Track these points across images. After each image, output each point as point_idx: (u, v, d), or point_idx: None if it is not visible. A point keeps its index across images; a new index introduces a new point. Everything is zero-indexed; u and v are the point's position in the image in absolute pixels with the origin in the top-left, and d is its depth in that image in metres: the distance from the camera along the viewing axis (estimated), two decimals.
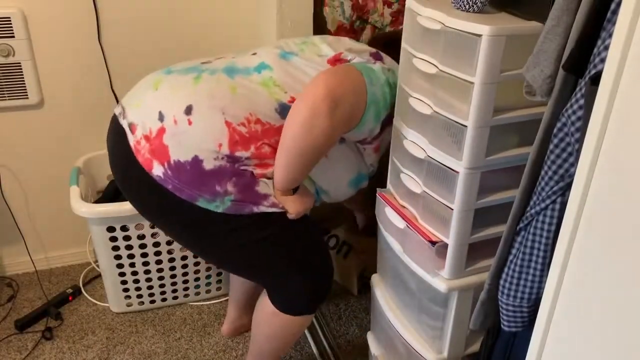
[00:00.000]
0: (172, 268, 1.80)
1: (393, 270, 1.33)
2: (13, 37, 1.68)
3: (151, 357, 1.71)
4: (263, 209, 1.21)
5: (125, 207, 1.61)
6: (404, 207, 1.24)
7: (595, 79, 0.64)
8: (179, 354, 1.72)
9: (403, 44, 1.16)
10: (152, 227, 1.69)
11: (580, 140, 0.75)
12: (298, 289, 1.32)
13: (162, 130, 1.18)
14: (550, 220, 0.85)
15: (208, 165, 1.17)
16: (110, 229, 1.65)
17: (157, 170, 1.17)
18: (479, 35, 0.92)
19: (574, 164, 0.79)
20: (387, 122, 1.27)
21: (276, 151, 1.21)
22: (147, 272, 1.78)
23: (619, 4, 0.66)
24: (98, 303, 1.90)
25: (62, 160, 1.90)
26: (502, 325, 0.98)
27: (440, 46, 1.02)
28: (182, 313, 1.88)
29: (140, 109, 1.22)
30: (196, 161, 1.16)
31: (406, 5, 1.13)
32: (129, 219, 1.64)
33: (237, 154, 1.18)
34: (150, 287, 1.82)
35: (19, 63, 1.72)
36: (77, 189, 1.68)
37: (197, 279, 1.87)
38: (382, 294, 1.39)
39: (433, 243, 1.12)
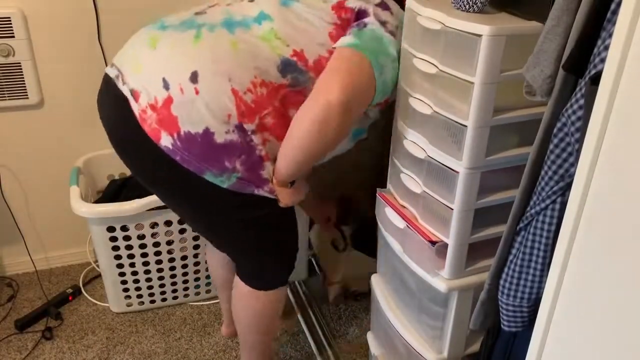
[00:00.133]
0: (172, 268, 1.80)
1: (393, 270, 1.33)
2: (13, 37, 1.68)
3: (151, 357, 1.71)
4: (262, 192, 1.22)
5: (125, 207, 1.61)
6: (404, 207, 1.24)
7: (595, 79, 0.64)
8: (179, 354, 1.72)
9: (403, 44, 1.16)
10: (152, 227, 1.69)
11: (580, 140, 0.75)
12: (271, 266, 1.36)
13: (169, 100, 1.14)
14: (550, 220, 0.85)
15: (219, 138, 1.15)
16: (110, 229, 1.65)
17: (166, 141, 1.15)
18: (479, 35, 0.92)
19: (574, 164, 0.79)
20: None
21: (277, 122, 1.19)
22: (147, 272, 1.78)
23: (619, 4, 0.66)
24: (98, 303, 1.90)
25: (62, 160, 1.90)
26: (502, 325, 0.98)
27: (441, 46, 1.02)
28: (182, 313, 1.88)
29: (142, 74, 1.18)
30: (207, 133, 1.14)
31: (406, 6, 1.13)
32: (129, 219, 1.64)
33: (245, 125, 1.16)
34: (150, 287, 1.82)
35: (19, 63, 1.72)
36: (77, 189, 1.68)
37: (197, 279, 1.87)
38: (382, 294, 1.39)
39: (433, 243, 1.12)
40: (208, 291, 1.92)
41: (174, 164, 1.16)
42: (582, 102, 0.74)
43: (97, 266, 1.98)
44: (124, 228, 1.66)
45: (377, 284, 1.42)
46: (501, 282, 0.96)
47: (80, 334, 1.78)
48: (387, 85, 1.20)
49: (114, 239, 1.67)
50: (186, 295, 1.90)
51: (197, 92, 1.14)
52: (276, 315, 1.44)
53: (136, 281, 1.79)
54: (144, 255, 1.73)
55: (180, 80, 1.15)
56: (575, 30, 0.75)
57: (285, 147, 1.18)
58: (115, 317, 1.85)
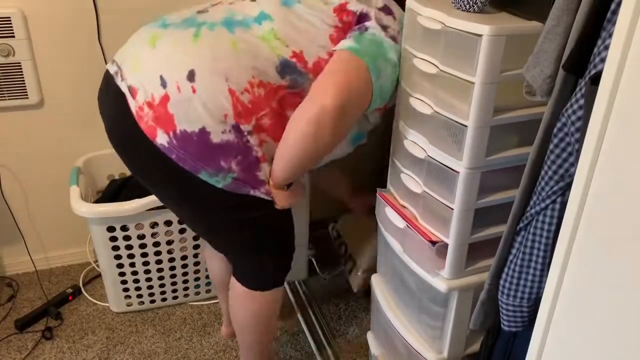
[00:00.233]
0: (172, 268, 1.80)
1: (393, 270, 1.33)
2: (13, 37, 1.68)
3: (151, 357, 1.71)
4: (259, 194, 1.22)
5: (125, 207, 1.61)
6: (404, 207, 1.24)
7: (595, 79, 0.64)
8: (179, 354, 1.72)
9: (403, 44, 1.16)
10: (152, 227, 1.69)
11: (580, 140, 0.75)
12: (268, 266, 1.36)
13: (165, 98, 1.14)
14: (550, 220, 0.85)
15: (215, 138, 1.15)
16: (110, 229, 1.65)
17: (162, 139, 1.15)
18: (479, 35, 0.92)
19: (574, 164, 0.79)
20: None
21: (274, 123, 1.18)
22: (147, 272, 1.78)
23: (619, 4, 0.66)
24: (98, 303, 1.90)
25: (62, 160, 1.90)
26: (502, 325, 0.98)
27: (441, 46, 1.02)
28: (182, 313, 1.88)
29: (140, 72, 1.18)
30: (203, 132, 1.14)
31: (406, 6, 1.13)
32: (129, 218, 1.64)
33: (241, 126, 1.16)
34: (150, 287, 1.82)
35: (19, 63, 1.72)
36: (77, 188, 1.68)
37: (197, 279, 1.87)
38: (382, 294, 1.39)
39: (433, 243, 1.12)
40: (208, 291, 1.92)
41: (169, 162, 1.16)
42: (582, 102, 0.75)
43: (97, 266, 1.98)
44: (124, 228, 1.66)
45: (377, 284, 1.42)
46: (501, 282, 0.96)
47: (80, 333, 1.78)
48: (385, 90, 1.20)
49: (114, 238, 1.67)
50: (186, 295, 1.90)
51: (194, 91, 1.14)
52: (273, 316, 1.44)
53: (136, 281, 1.79)
54: (144, 255, 1.73)
55: (177, 79, 1.14)
56: (575, 30, 0.75)
57: (281, 148, 1.18)
58: (115, 317, 1.85)
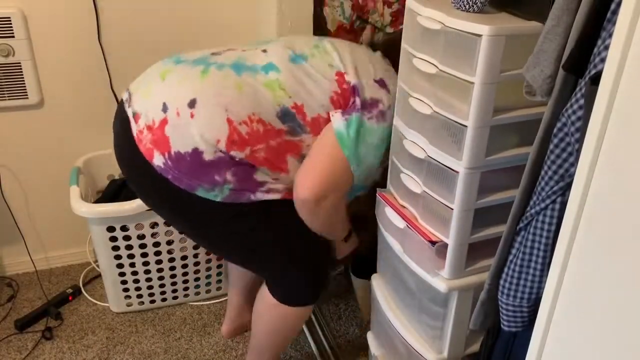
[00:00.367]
0: (172, 268, 1.80)
1: (393, 270, 1.33)
2: (13, 37, 1.68)
3: (151, 357, 1.71)
4: (260, 195, 1.23)
5: (125, 207, 1.61)
6: (404, 207, 1.23)
7: (595, 79, 0.64)
8: (179, 354, 1.72)
9: (403, 44, 1.16)
10: (152, 227, 1.69)
11: (580, 140, 0.75)
12: (297, 280, 1.34)
13: (164, 122, 1.19)
14: (550, 220, 0.85)
15: (208, 156, 1.18)
16: (110, 229, 1.65)
17: (158, 160, 1.19)
18: (479, 35, 0.92)
19: (574, 164, 0.79)
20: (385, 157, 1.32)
21: (269, 158, 1.23)
22: (147, 272, 1.78)
23: (619, 4, 0.66)
24: (98, 303, 1.91)
25: (62, 160, 1.90)
26: (502, 325, 0.98)
27: (440, 46, 1.02)
28: (182, 313, 1.88)
29: (146, 99, 1.23)
30: (196, 153, 1.18)
31: (406, 5, 1.13)
32: (129, 219, 1.64)
33: (232, 153, 1.19)
34: (150, 287, 1.82)
35: (19, 63, 1.72)
36: (77, 188, 1.68)
37: (197, 279, 1.87)
38: (382, 294, 1.39)
39: (433, 243, 1.12)
40: (208, 291, 1.92)
41: (166, 183, 1.19)
42: (582, 102, 0.74)
43: (97, 266, 1.98)
44: (124, 228, 1.66)
45: (377, 284, 1.42)
46: (501, 282, 0.96)
47: (80, 334, 1.78)
48: (369, 169, 1.30)
49: (114, 238, 1.67)
50: (186, 295, 1.90)
51: (192, 116, 1.18)
52: (294, 331, 1.44)
53: (136, 281, 1.79)
54: (144, 255, 1.73)
55: (178, 105, 1.19)
56: (575, 30, 0.75)
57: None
58: (115, 317, 1.85)
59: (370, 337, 1.53)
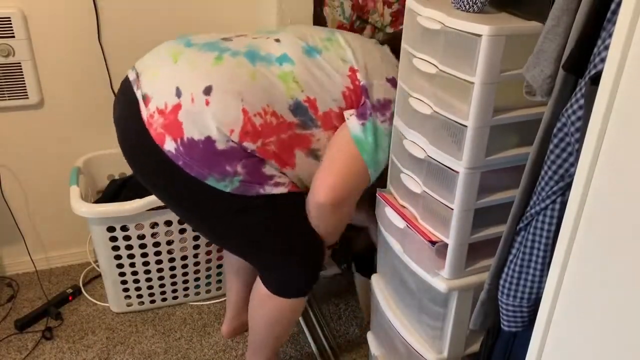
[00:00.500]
0: (172, 268, 1.80)
1: (393, 270, 1.33)
2: (13, 37, 1.68)
3: (151, 357, 1.71)
4: (268, 189, 1.23)
5: (125, 207, 1.61)
6: (404, 207, 1.24)
7: (595, 79, 0.64)
8: (179, 354, 1.72)
9: (403, 44, 1.16)
10: (152, 227, 1.69)
11: (580, 140, 0.75)
12: (292, 272, 1.35)
13: (178, 107, 1.18)
14: (550, 220, 0.85)
15: (220, 145, 1.18)
16: (110, 229, 1.65)
17: (169, 146, 1.18)
18: (479, 35, 0.92)
19: (574, 164, 0.79)
20: None
21: (279, 152, 1.22)
22: (147, 272, 1.78)
23: (619, 4, 0.66)
24: (98, 303, 1.90)
25: (62, 160, 1.90)
26: (502, 325, 0.98)
27: (440, 46, 1.02)
28: (182, 313, 1.88)
29: (157, 81, 1.22)
30: (209, 141, 1.17)
31: (406, 5, 1.13)
32: (129, 219, 1.64)
33: (245, 144, 1.19)
34: (150, 287, 1.82)
35: (19, 63, 1.72)
36: (77, 188, 1.68)
37: (197, 279, 1.87)
38: (382, 294, 1.39)
39: (433, 243, 1.12)
40: (208, 291, 1.92)
41: (177, 169, 1.18)
42: (582, 102, 0.75)
43: (97, 266, 1.98)
44: (124, 228, 1.66)
45: (377, 284, 1.42)
46: (501, 282, 0.96)
47: (80, 334, 1.78)
48: (382, 168, 1.31)
49: (114, 239, 1.67)
50: (186, 295, 1.90)
51: (207, 104, 1.17)
52: (290, 323, 1.44)
53: (136, 281, 1.79)
54: (144, 255, 1.73)
55: (193, 90, 1.18)
56: (575, 30, 0.75)
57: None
58: (115, 317, 1.85)
59: (370, 337, 1.53)
